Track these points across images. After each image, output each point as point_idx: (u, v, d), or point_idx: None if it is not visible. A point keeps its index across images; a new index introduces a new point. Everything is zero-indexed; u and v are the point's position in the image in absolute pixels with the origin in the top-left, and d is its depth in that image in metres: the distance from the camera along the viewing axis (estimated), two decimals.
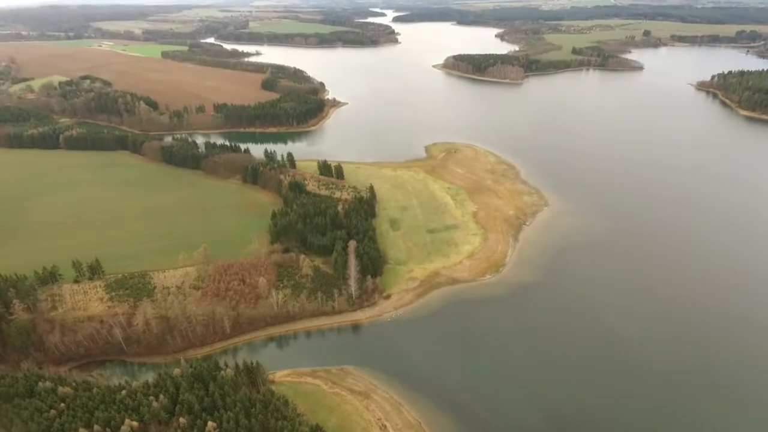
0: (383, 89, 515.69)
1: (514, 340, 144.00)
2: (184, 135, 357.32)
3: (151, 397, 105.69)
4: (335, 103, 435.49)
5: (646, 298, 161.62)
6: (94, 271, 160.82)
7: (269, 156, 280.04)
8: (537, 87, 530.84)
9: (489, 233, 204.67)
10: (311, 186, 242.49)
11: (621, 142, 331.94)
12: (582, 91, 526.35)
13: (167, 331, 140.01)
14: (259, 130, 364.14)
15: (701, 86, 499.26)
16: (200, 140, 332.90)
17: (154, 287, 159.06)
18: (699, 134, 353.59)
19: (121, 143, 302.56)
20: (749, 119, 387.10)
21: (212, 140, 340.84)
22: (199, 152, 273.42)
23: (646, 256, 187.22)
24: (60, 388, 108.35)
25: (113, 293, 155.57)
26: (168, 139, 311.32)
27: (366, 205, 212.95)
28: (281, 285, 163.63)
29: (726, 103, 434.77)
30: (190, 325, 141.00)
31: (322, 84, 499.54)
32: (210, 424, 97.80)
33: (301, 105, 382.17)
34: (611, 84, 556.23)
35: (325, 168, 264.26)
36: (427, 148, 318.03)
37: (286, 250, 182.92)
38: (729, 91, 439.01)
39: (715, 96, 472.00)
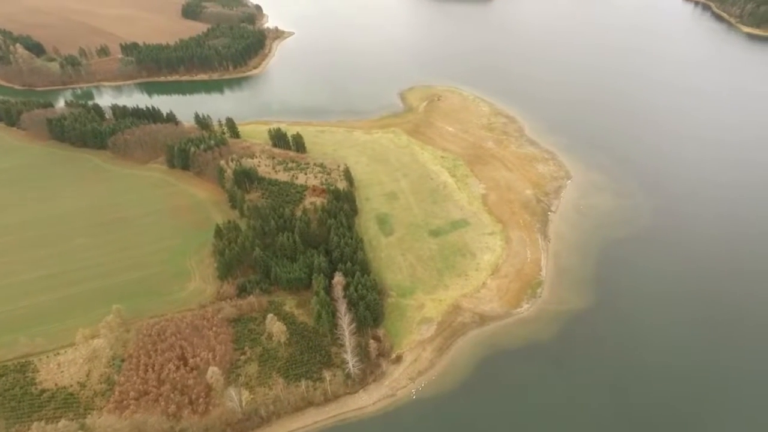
0: (331, 9, 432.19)
1: (583, 422, 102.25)
2: (84, 88, 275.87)
3: None
4: (278, 34, 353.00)
5: (740, 320, 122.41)
6: None
7: (202, 122, 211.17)
8: (508, 3, 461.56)
9: (509, 229, 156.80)
10: (264, 167, 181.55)
11: (617, 73, 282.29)
12: (557, 7, 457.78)
13: None
14: (184, 78, 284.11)
15: None
16: (106, 99, 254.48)
17: (42, 392, 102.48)
18: (709, 63, 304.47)
19: None
20: (753, 38, 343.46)
21: (123, 96, 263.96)
22: (103, 126, 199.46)
23: (721, 250, 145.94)
24: None
25: None
26: (60, 105, 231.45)
27: (345, 201, 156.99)
28: (241, 360, 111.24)
29: (722, 18, 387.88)
30: None
31: (258, 7, 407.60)
32: None
33: (237, 41, 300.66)
34: None
35: (278, 137, 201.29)
36: (402, 96, 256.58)
37: (242, 289, 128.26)
38: (726, 3, 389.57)
39: (706, 8, 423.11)
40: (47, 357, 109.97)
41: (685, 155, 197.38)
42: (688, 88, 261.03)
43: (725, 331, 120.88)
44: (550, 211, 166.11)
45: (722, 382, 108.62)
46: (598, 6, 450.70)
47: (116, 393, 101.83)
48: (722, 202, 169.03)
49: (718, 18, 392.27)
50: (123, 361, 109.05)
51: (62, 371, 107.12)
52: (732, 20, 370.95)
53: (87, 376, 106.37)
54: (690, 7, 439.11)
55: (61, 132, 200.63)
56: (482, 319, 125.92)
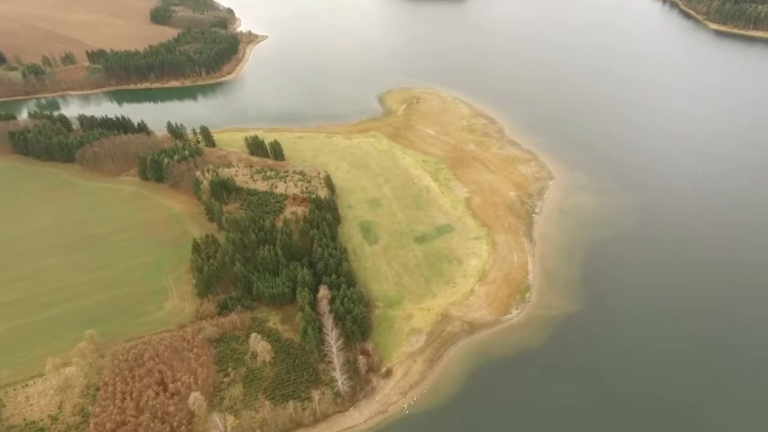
0: (305, 11, 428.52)
1: (580, 426, 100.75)
2: (49, 98, 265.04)
3: None
4: (252, 38, 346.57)
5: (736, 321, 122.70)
6: None
7: (175, 131, 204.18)
8: (481, 3, 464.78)
9: (495, 233, 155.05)
10: (241, 177, 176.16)
11: (591, 71, 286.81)
12: (529, 7, 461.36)
13: None
14: (155, 85, 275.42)
15: None
16: (73, 109, 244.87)
17: (9, 428, 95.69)
18: (680, 60, 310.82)
19: None
20: (720, 34, 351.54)
21: (91, 106, 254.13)
22: (70, 138, 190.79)
23: (703, 242, 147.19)
24: None
25: None
26: (23, 116, 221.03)
27: (327, 210, 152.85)
28: (224, 383, 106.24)
29: (690, 15, 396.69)
30: None
31: (230, 11, 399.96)
32: None
33: (209, 46, 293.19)
34: None
35: (256, 145, 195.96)
36: (381, 98, 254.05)
37: (223, 307, 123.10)
38: (693, 0, 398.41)
39: (674, 5, 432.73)
40: (14, 390, 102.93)
41: (662, 150, 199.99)
42: (660, 84, 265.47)
43: (717, 323, 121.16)
44: (535, 212, 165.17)
45: (718, 376, 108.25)
46: (568, 5, 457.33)
47: (91, 425, 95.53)
48: (699, 194, 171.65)
49: (686, 15, 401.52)
50: (98, 389, 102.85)
51: (31, 404, 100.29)
52: (699, 17, 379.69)
53: (59, 408, 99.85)
54: (658, 5, 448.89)
55: (25, 145, 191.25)
56: (472, 328, 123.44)
